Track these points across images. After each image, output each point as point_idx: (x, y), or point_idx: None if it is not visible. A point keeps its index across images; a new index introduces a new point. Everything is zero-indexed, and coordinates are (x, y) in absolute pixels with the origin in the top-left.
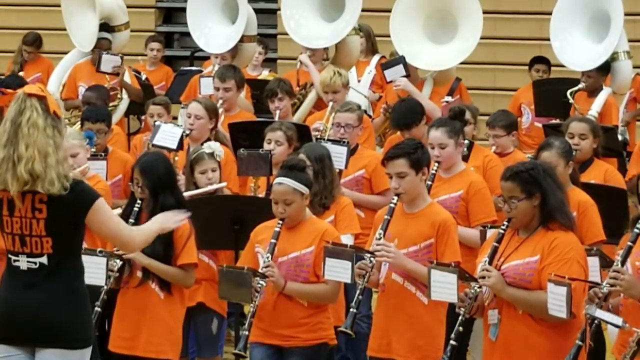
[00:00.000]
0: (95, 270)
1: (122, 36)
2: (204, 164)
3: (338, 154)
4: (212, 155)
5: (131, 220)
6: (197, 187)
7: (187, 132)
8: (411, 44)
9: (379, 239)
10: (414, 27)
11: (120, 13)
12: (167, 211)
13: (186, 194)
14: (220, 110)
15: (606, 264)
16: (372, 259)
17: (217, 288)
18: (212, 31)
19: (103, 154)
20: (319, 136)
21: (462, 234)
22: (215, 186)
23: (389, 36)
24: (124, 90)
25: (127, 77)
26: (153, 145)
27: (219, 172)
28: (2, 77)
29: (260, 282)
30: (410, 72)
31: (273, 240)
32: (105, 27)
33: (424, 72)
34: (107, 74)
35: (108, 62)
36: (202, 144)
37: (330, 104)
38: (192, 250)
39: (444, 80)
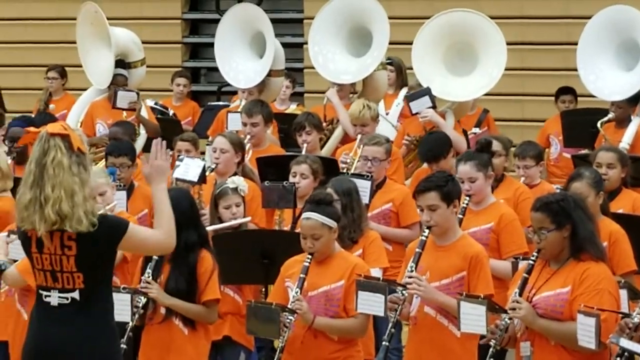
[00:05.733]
0: (119, 307)
1: (138, 72)
2: (227, 199)
3: (362, 189)
4: (235, 190)
5: (155, 257)
6: (221, 222)
7: (213, 166)
8: (432, 76)
9: (411, 271)
10: (434, 60)
11: (135, 49)
12: (195, 250)
13: (209, 229)
14: (249, 146)
15: (635, 296)
16: (404, 292)
17: (242, 322)
18: (240, 66)
19: (123, 185)
20: (345, 169)
21: (493, 266)
22: (239, 221)
23: (410, 69)
24: (141, 126)
25: (144, 112)
26: (175, 180)
27: (243, 207)
28: (31, 115)
29: (289, 317)
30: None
31: (302, 275)
32: (121, 63)
33: (442, 104)
34: (124, 109)
35: (124, 98)
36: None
37: (359, 136)
38: (215, 286)
39: (462, 112)
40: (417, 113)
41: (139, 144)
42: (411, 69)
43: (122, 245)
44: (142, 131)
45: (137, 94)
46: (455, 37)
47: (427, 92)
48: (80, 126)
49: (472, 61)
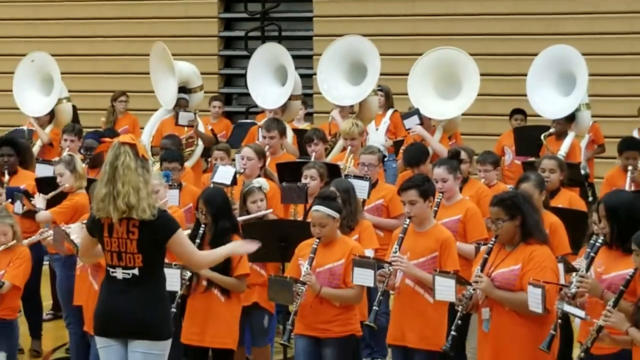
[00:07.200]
0: (170, 280)
1: (197, 96)
2: (254, 196)
3: (361, 187)
4: (260, 188)
5: (197, 241)
6: (248, 214)
7: (241, 170)
8: (424, 99)
9: (395, 252)
10: (427, 86)
11: (194, 78)
12: (228, 235)
13: (240, 219)
14: (267, 154)
15: (569, 269)
16: (390, 268)
17: (267, 291)
18: (267, 92)
19: (176, 185)
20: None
21: (461, 248)
22: (262, 212)
23: (403, 94)
24: (199, 139)
25: (202, 128)
26: (213, 183)
27: (266, 202)
28: (100, 130)
29: (301, 287)
30: (425, 121)
31: (311, 255)
32: (183, 89)
33: (437, 122)
34: (185, 126)
35: (184, 117)
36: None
37: (349, 148)
38: (245, 263)
39: (453, 127)
40: (409, 128)
41: (197, 152)
42: (402, 94)
43: (169, 242)
44: (200, 142)
45: (195, 113)
46: (444, 69)
47: (417, 112)
48: (153, 139)
49: (457, 88)
